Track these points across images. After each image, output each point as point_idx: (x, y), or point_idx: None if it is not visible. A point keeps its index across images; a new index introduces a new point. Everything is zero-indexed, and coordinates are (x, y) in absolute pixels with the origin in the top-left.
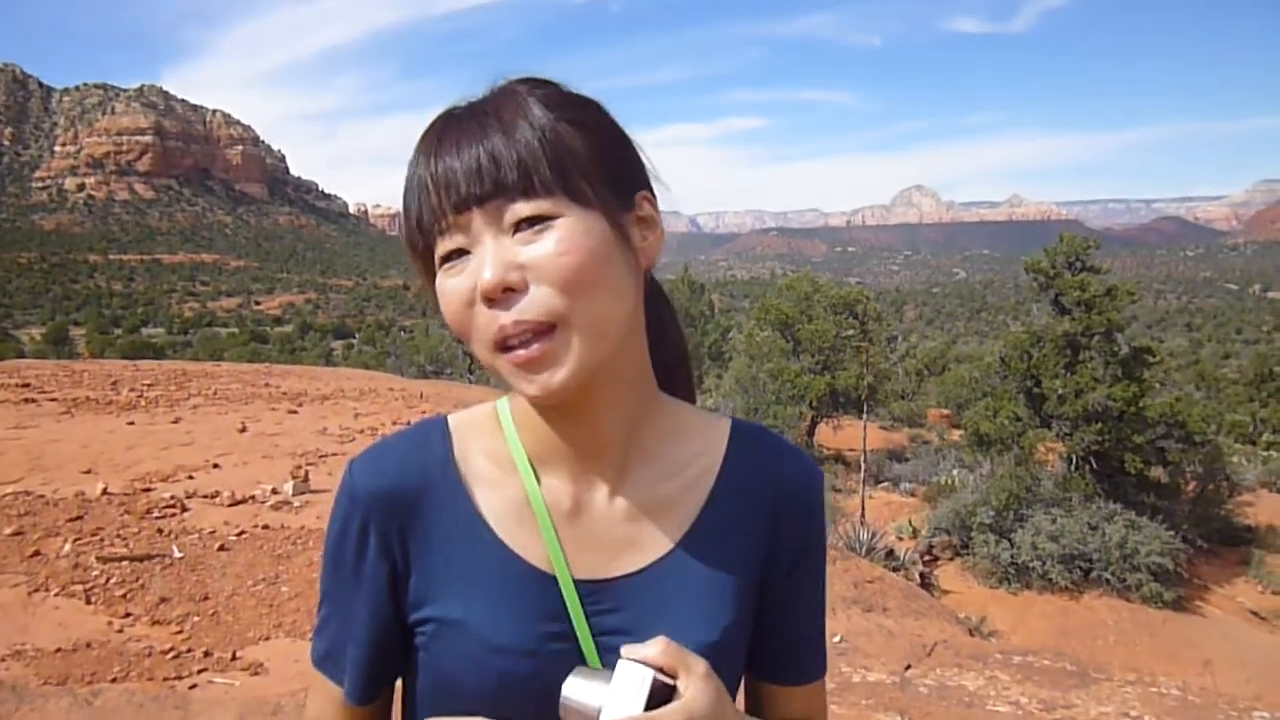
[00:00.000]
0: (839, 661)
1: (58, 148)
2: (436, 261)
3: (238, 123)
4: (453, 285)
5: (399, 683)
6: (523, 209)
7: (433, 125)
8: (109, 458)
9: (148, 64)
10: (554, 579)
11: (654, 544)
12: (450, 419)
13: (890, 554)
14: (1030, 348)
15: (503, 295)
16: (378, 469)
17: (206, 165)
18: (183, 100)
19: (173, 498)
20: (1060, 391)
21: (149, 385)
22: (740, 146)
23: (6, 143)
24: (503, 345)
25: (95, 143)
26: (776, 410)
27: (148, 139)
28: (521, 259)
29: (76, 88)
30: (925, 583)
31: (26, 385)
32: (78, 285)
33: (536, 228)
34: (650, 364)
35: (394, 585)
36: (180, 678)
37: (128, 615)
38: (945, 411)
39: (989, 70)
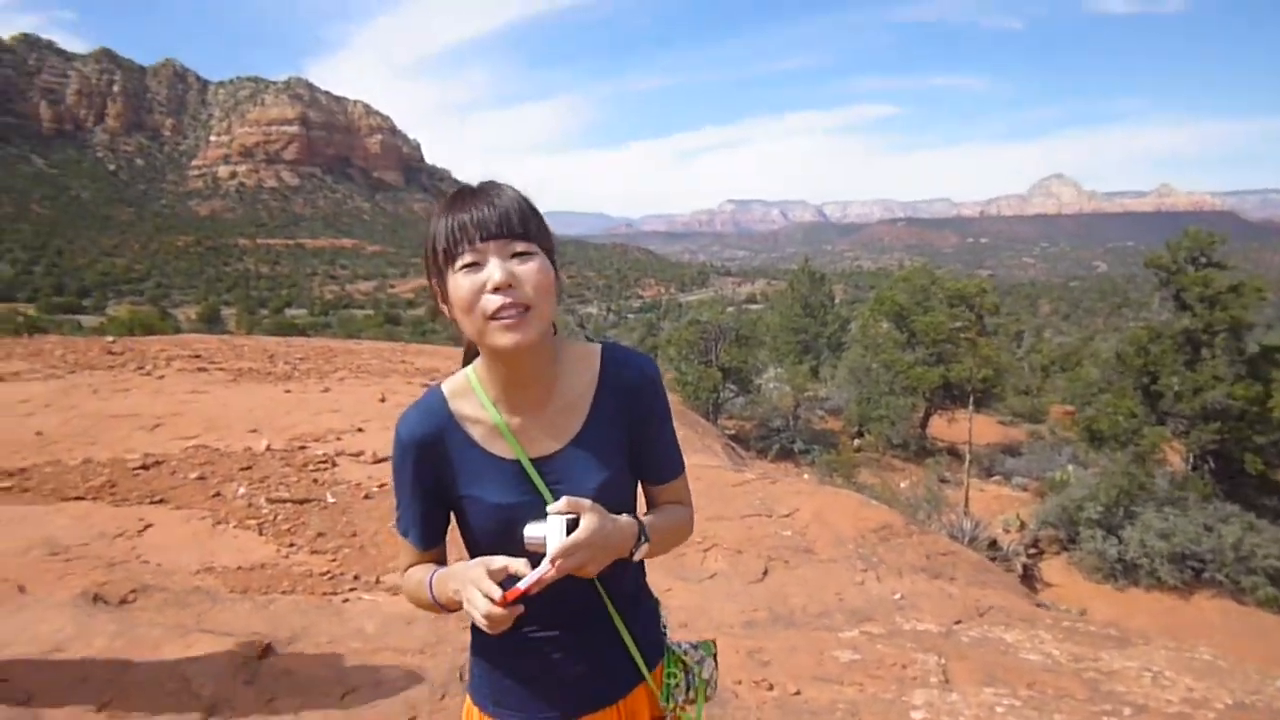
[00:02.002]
0: (895, 615)
1: (213, 138)
2: (455, 267)
3: (377, 113)
4: (469, 280)
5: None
6: (519, 246)
7: (460, 191)
8: (270, 420)
9: (295, 57)
10: (520, 464)
11: (569, 431)
12: (443, 386)
13: (993, 544)
14: (1148, 344)
15: (505, 288)
16: (409, 426)
17: (347, 154)
18: (326, 92)
19: (325, 455)
20: (1177, 388)
21: (301, 359)
22: (869, 135)
23: (167, 133)
24: (495, 316)
25: (246, 133)
26: (889, 401)
27: (294, 129)
28: (516, 271)
29: (230, 81)
30: (1028, 574)
31: (198, 356)
32: (228, 268)
33: (524, 257)
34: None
35: (437, 483)
36: (335, 593)
37: (292, 545)
38: (1069, 408)
39: (1138, 53)
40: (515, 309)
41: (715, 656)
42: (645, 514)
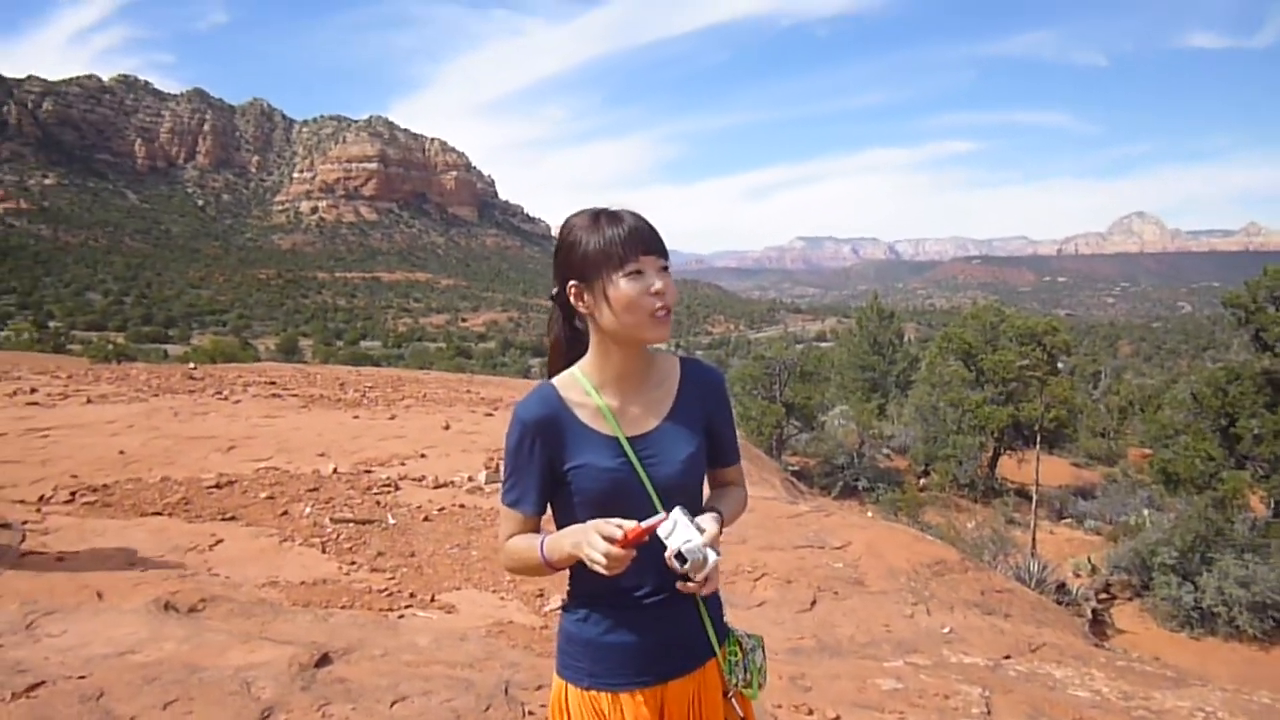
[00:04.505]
0: (942, 647)
1: (296, 174)
2: (622, 271)
3: (453, 150)
4: (635, 285)
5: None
6: (664, 261)
7: (606, 213)
8: (338, 445)
9: (378, 96)
10: (618, 439)
11: (658, 416)
12: (554, 380)
13: (1062, 587)
14: (1226, 384)
15: (663, 294)
16: (529, 409)
17: (423, 190)
18: (405, 130)
19: (388, 479)
20: (1256, 431)
21: (370, 387)
22: (945, 171)
23: (253, 170)
24: (655, 315)
25: (328, 170)
26: (956, 440)
27: (373, 166)
28: (667, 282)
29: (314, 119)
30: (1098, 619)
31: (273, 383)
32: (307, 300)
33: (665, 271)
34: None
35: (550, 459)
36: (392, 610)
37: (353, 563)
38: (1147, 451)
39: (1226, 88)
40: (665, 311)
41: (764, 649)
42: (714, 500)
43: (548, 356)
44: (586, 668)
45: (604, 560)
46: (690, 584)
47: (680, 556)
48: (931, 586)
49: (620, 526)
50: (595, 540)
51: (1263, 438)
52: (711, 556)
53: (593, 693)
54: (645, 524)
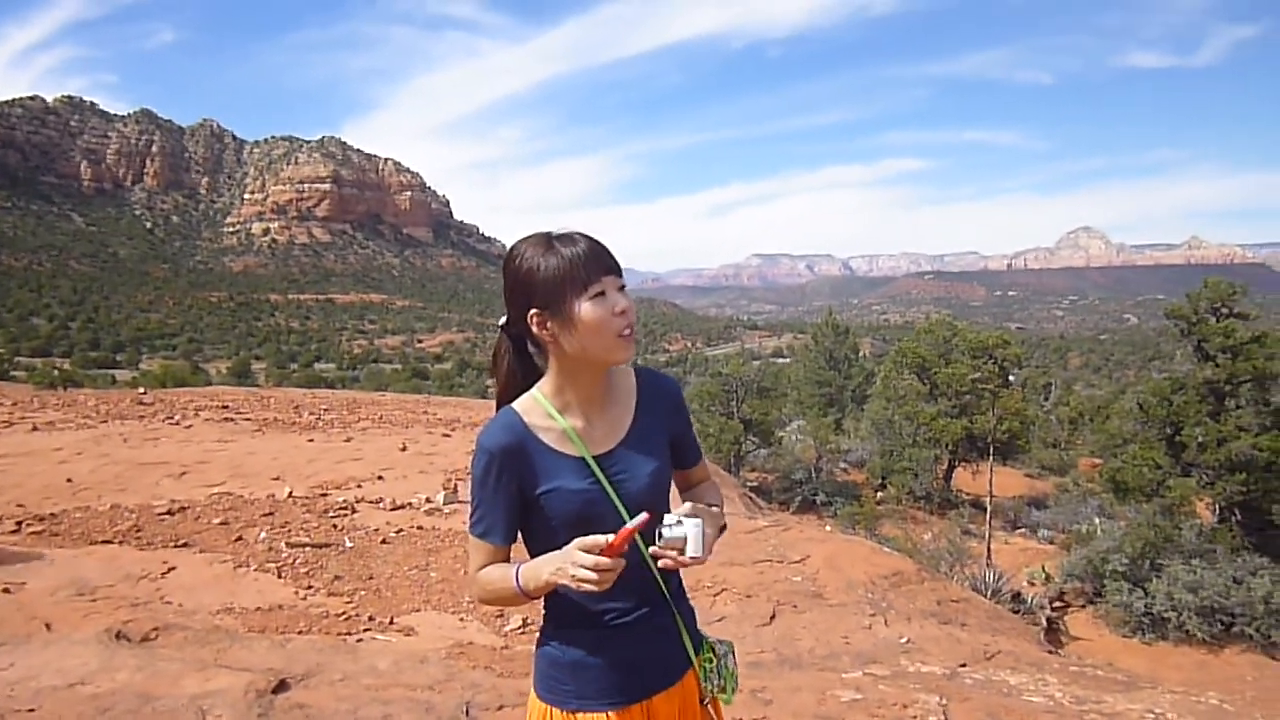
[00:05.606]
0: (900, 656)
1: (247, 195)
2: (587, 294)
3: (407, 170)
4: (601, 307)
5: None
6: (621, 280)
7: (560, 236)
8: (294, 468)
9: (331, 117)
10: (585, 460)
11: (621, 430)
12: (515, 405)
13: (1017, 596)
14: (1171, 394)
15: (626, 313)
16: (494, 437)
17: (378, 211)
18: (358, 150)
19: (345, 502)
20: (1200, 439)
21: (326, 410)
22: (898, 188)
23: (203, 191)
24: (621, 335)
25: (280, 190)
26: (911, 453)
27: (326, 187)
28: (630, 301)
29: (266, 140)
30: (1052, 627)
31: (226, 407)
32: (260, 322)
33: (624, 289)
34: None
35: (519, 486)
36: (350, 634)
37: (310, 588)
38: (1097, 461)
39: (1168, 106)
40: (630, 330)
41: (735, 653)
42: (698, 496)
43: (497, 390)
44: (573, 689)
45: (594, 575)
46: (676, 558)
47: (659, 534)
48: (889, 598)
49: (600, 542)
50: (580, 558)
51: (1206, 445)
52: (690, 525)
53: (580, 715)
54: (629, 526)
